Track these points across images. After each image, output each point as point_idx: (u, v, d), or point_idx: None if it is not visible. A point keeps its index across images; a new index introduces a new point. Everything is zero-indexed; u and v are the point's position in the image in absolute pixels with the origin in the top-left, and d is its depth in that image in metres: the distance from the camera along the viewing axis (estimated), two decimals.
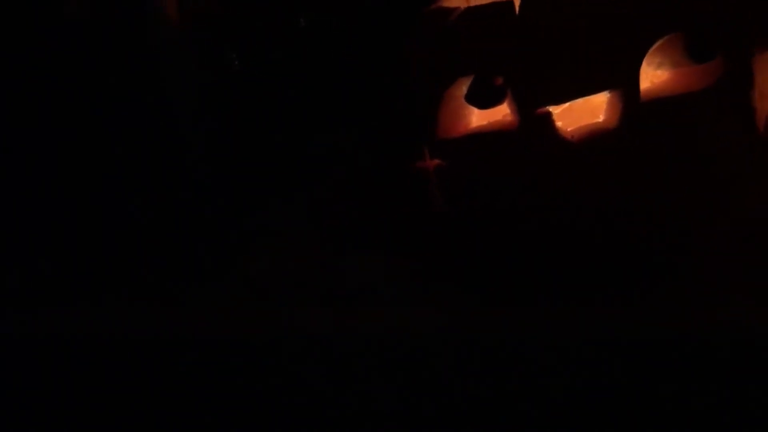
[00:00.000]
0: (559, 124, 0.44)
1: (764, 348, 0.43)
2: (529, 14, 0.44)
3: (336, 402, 0.47)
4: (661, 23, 0.42)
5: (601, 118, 0.43)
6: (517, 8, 0.45)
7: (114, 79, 0.57)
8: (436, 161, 0.47)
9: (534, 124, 0.42)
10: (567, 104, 0.45)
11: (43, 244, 0.58)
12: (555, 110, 0.45)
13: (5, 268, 0.57)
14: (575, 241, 0.46)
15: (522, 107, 0.43)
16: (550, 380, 0.47)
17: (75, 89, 0.57)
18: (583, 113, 0.45)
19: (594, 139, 0.43)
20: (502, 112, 0.45)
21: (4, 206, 0.57)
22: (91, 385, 0.50)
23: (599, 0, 0.43)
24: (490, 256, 0.49)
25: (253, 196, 0.66)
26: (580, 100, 0.44)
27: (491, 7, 0.45)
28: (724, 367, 0.43)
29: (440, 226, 0.49)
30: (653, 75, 0.46)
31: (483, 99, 0.44)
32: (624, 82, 0.42)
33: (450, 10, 0.48)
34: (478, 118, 0.46)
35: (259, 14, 0.74)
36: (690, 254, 0.49)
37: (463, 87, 0.45)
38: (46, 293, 0.56)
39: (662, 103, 0.42)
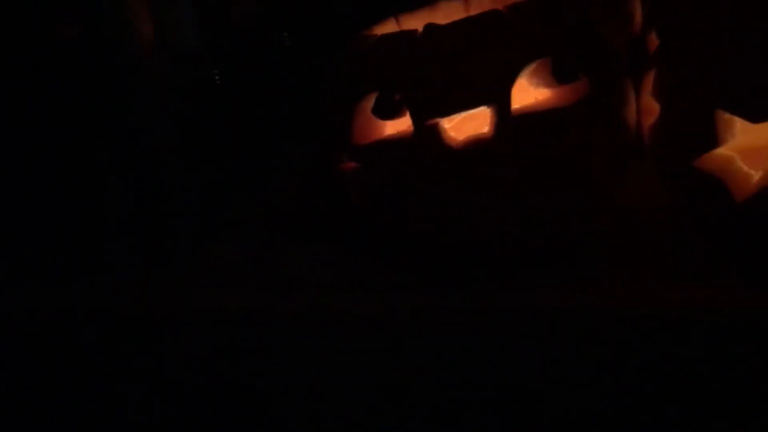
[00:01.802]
0: (451, 133, 0.52)
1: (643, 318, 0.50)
2: (425, 42, 0.52)
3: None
4: (529, 50, 0.50)
5: (485, 130, 0.51)
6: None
7: (92, 89, 0.67)
8: (352, 164, 0.55)
9: (425, 133, 0.51)
10: (460, 117, 0.53)
11: (30, 232, 0.68)
12: (449, 122, 0.53)
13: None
14: (467, 233, 0.54)
15: (416, 119, 0.51)
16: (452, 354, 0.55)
17: (59, 99, 0.67)
18: (477, 125, 0.53)
19: (474, 146, 0.50)
20: (407, 123, 0.53)
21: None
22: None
23: (477, 31, 0.51)
24: (401, 246, 0.57)
25: (225, 194, 0.75)
26: (469, 113, 0.52)
27: (397, 35, 0.54)
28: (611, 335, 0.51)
29: (360, 220, 0.58)
30: (536, 93, 0.54)
31: (385, 112, 0.52)
32: (497, 99, 0.49)
33: (370, 37, 0.57)
34: (390, 127, 0.55)
35: (241, 35, 0.84)
36: (577, 243, 0.56)
37: (371, 101, 0.53)
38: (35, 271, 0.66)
39: (531, 117, 0.50)
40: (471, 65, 0.50)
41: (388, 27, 0.62)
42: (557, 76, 0.50)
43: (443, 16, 0.63)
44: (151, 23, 0.71)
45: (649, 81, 0.55)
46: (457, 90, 0.50)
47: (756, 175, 0.50)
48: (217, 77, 0.80)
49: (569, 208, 0.53)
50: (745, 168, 0.51)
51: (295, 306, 0.57)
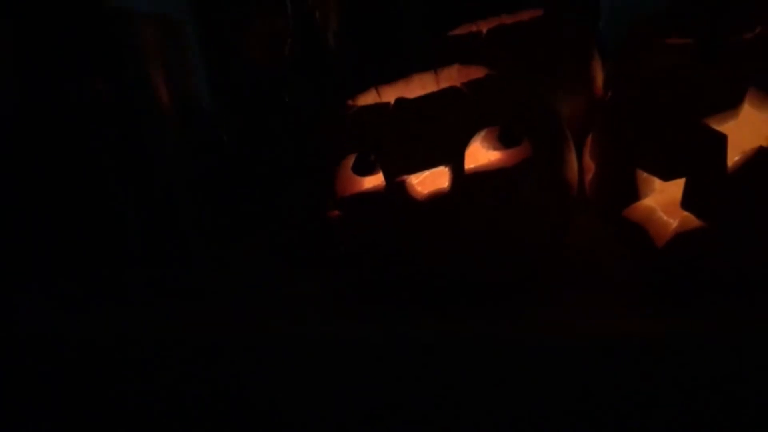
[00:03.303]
0: (418, 188, 0.63)
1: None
2: (396, 112, 0.63)
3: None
4: (479, 120, 0.60)
5: (445, 185, 0.61)
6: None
7: (115, 135, 0.78)
8: (337, 212, 0.65)
9: (394, 188, 0.61)
10: (426, 173, 0.63)
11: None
12: (417, 178, 0.63)
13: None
14: (432, 272, 0.64)
15: (387, 175, 0.61)
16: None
17: (88, 141, 0.78)
18: (440, 181, 0.63)
19: (435, 199, 0.61)
20: (380, 179, 0.63)
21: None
22: None
23: (438, 104, 0.61)
24: (381, 282, 0.67)
25: (235, 229, 0.87)
26: (432, 171, 0.62)
27: (373, 107, 0.65)
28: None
29: (346, 257, 0.68)
30: (489, 155, 0.64)
31: (362, 169, 0.62)
32: (453, 160, 0.60)
33: (351, 107, 0.68)
34: (367, 183, 0.65)
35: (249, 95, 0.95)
36: (529, 279, 0.66)
37: (351, 160, 0.63)
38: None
39: (481, 175, 0.60)
40: (431, 132, 0.60)
41: (370, 96, 0.73)
42: (503, 141, 0.60)
43: (417, 86, 0.74)
44: (166, 83, 0.83)
45: (588, 143, 0.66)
46: (419, 152, 0.60)
47: (674, 223, 0.60)
48: (224, 136, 0.91)
49: (518, 251, 0.62)
50: (665, 217, 0.61)
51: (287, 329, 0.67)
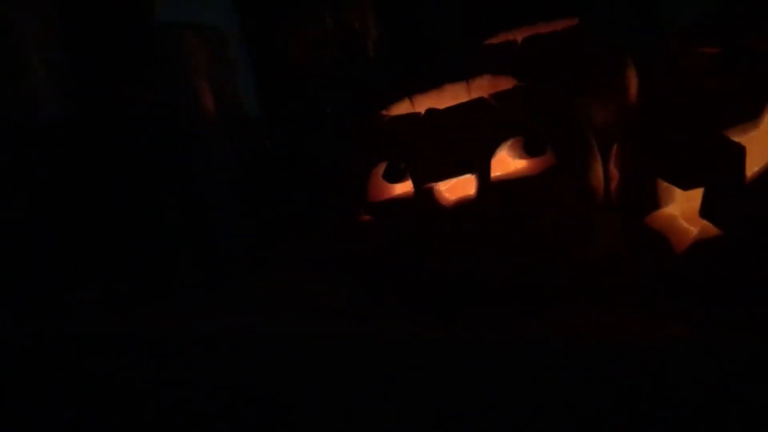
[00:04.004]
0: (446, 194, 0.66)
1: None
2: (425, 122, 0.66)
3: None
4: (504, 131, 0.63)
5: (471, 192, 0.64)
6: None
7: (163, 146, 0.83)
8: (368, 217, 0.69)
9: (423, 195, 0.64)
10: (453, 181, 0.66)
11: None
12: (444, 185, 0.66)
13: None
14: (458, 276, 0.67)
15: (415, 183, 0.64)
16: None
17: (137, 152, 0.83)
18: (467, 188, 0.66)
19: (462, 206, 0.63)
20: (409, 186, 0.66)
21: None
22: None
23: (465, 115, 0.64)
24: (405, 285, 0.70)
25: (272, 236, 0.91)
26: (458, 179, 0.65)
27: (405, 117, 0.68)
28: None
29: (373, 262, 0.71)
30: (515, 163, 0.66)
31: (392, 176, 0.65)
32: (479, 168, 0.62)
33: (384, 116, 0.71)
34: (397, 189, 0.68)
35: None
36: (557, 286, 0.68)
37: (382, 167, 0.67)
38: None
39: (506, 183, 0.63)
40: (458, 142, 0.63)
41: (403, 106, 0.76)
42: (527, 150, 0.62)
43: (449, 96, 0.77)
44: (213, 94, 0.87)
45: (613, 152, 0.68)
46: (447, 161, 0.63)
47: (694, 231, 0.62)
48: (267, 142, 0.95)
49: (542, 257, 0.65)
50: (686, 225, 0.62)
51: (316, 330, 0.71)
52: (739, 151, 0.57)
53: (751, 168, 0.57)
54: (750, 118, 0.57)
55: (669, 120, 0.61)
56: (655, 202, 0.62)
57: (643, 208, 0.63)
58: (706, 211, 0.58)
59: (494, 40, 1.04)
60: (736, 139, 0.58)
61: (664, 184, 0.61)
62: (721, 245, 0.59)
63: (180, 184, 0.84)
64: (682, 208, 0.63)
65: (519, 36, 1.01)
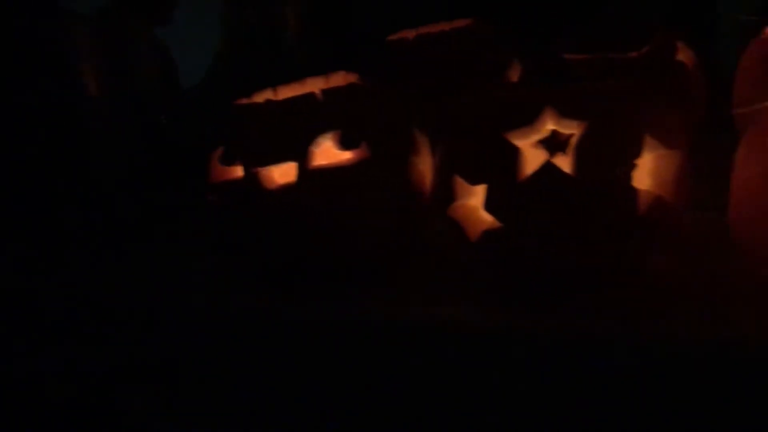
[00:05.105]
0: (274, 177, 0.72)
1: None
2: (261, 111, 0.73)
3: None
4: (323, 124, 0.70)
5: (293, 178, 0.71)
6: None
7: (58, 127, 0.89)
8: (210, 197, 0.76)
9: (250, 178, 0.71)
10: (282, 166, 0.73)
11: None
12: (276, 170, 0.73)
13: None
14: (285, 253, 0.74)
15: (245, 167, 0.71)
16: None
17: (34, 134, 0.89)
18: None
19: (284, 190, 0.70)
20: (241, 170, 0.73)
21: None
22: None
23: (293, 107, 0.71)
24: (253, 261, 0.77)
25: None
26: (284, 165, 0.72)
27: (249, 106, 0.75)
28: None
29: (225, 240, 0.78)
30: (339, 155, 0.73)
31: (226, 160, 0.72)
32: (299, 157, 0.69)
33: (237, 105, 0.77)
34: (232, 172, 0.74)
35: None
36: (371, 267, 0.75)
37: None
38: None
39: (323, 171, 0.70)
40: (283, 131, 0.70)
41: (265, 94, 0.83)
42: (342, 143, 0.69)
43: (308, 89, 0.83)
44: (105, 76, 0.94)
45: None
46: (271, 148, 0.70)
47: (489, 220, 0.68)
48: (164, 118, 1.02)
49: (359, 241, 0.72)
50: (485, 216, 0.69)
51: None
52: (515, 152, 0.63)
53: (530, 169, 0.64)
54: (527, 122, 0.64)
55: (464, 123, 0.68)
56: (452, 195, 0.68)
57: (445, 201, 0.70)
58: (488, 205, 0.65)
59: (393, 37, 1.10)
60: (516, 142, 0.64)
61: (459, 180, 0.68)
62: (503, 236, 0.65)
63: (70, 166, 0.91)
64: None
65: (412, 34, 1.08)
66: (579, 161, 0.62)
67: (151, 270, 0.87)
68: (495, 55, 1.03)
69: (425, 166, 0.75)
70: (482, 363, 0.66)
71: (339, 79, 0.82)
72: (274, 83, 0.96)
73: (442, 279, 0.75)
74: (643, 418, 0.62)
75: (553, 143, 0.63)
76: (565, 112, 0.63)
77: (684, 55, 0.92)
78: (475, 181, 0.66)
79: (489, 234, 0.66)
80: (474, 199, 0.69)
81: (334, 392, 0.72)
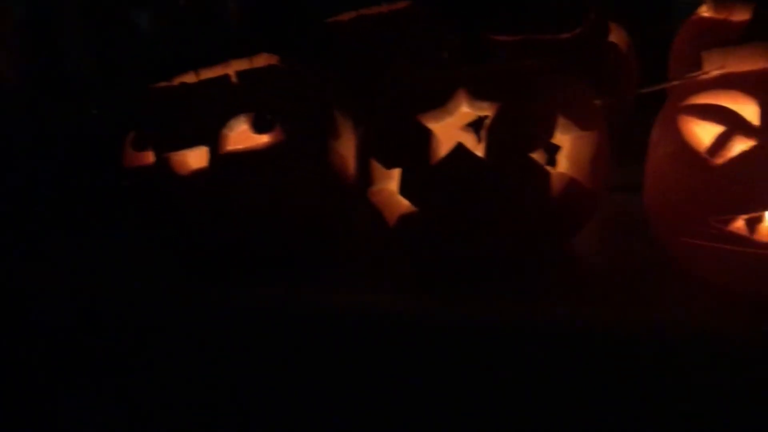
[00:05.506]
0: (191, 163, 0.70)
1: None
2: (175, 95, 0.70)
3: None
4: (234, 106, 0.68)
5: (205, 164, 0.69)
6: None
7: None
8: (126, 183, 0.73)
9: (161, 163, 0.68)
10: (195, 150, 0.70)
11: None
12: (190, 154, 0.71)
13: None
14: (205, 239, 0.71)
15: (156, 152, 0.69)
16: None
17: None
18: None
19: (197, 175, 0.68)
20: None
21: None
22: None
23: (207, 89, 0.69)
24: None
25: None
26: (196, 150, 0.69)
27: (165, 89, 0.72)
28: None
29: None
30: (255, 138, 0.71)
31: (137, 145, 0.70)
32: (210, 141, 0.67)
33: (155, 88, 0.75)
34: (144, 158, 0.71)
35: None
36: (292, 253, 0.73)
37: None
38: None
39: (236, 155, 0.68)
40: (193, 115, 0.68)
41: (187, 78, 0.80)
42: (255, 126, 0.67)
43: (232, 70, 0.81)
44: None
45: None
46: (182, 132, 0.68)
47: (406, 204, 0.66)
48: (96, 110, 0.99)
49: (275, 226, 0.70)
50: (402, 200, 0.67)
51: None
52: (426, 135, 0.62)
53: (444, 153, 0.62)
54: (440, 104, 0.62)
55: (380, 105, 0.66)
56: (369, 179, 0.67)
57: (365, 184, 0.68)
58: (402, 190, 0.64)
59: (331, 20, 1.08)
60: (430, 125, 0.63)
61: (375, 164, 0.66)
62: (418, 220, 0.64)
63: None
64: None
65: (347, 17, 1.06)
66: (491, 143, 0.60)
67: (73, 259, 0.85)
68: (430, 37, 1.01)
69: (348, 150, 0.73)
70: (398, 351, 0.65)
71: (261, 60, 0.80)
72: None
73: (365, 264, 0.74)
74: (557, 403, 0.61)
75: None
76: (477, 94, 0.61)
77: (616, 36, 0.91)
78: (389, 165, 0.64)
79: (404, 218, 0.65)
80: (392, 183, 0.67)
81: (252, 379, 0.71)
